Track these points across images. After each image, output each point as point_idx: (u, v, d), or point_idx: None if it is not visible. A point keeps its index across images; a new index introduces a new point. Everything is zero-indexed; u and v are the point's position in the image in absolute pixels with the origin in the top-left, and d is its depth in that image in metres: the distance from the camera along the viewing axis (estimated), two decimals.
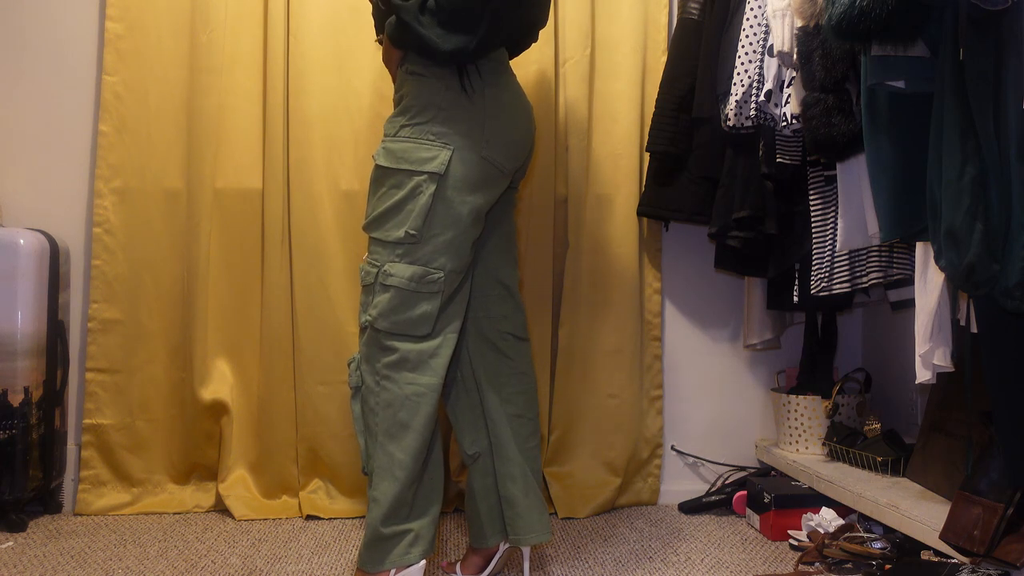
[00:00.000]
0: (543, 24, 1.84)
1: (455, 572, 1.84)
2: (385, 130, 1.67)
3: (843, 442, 2.29)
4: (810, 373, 2.50)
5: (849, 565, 1.87)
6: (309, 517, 2.33)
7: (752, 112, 2.12)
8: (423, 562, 1.64)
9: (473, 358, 1.80)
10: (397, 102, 1.69)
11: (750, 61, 2.13)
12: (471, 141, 1.62)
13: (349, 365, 1.69)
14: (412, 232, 1.59)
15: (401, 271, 1.60)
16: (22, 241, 2.20)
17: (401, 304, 1.61)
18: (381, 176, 1.64)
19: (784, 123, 2.04)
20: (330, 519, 2.33)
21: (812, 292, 2.12)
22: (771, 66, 2.08)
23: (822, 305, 2.34)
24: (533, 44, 2.45)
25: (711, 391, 2.65)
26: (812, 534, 2.04)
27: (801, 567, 1.92)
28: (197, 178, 2.39)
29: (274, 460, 2.39)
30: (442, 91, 1.62)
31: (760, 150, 2.18)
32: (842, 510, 2.09)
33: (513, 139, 1.68)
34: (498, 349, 1.81)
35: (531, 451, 1.80)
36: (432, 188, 1.59)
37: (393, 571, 1.62)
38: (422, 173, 1.60)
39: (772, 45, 2.06)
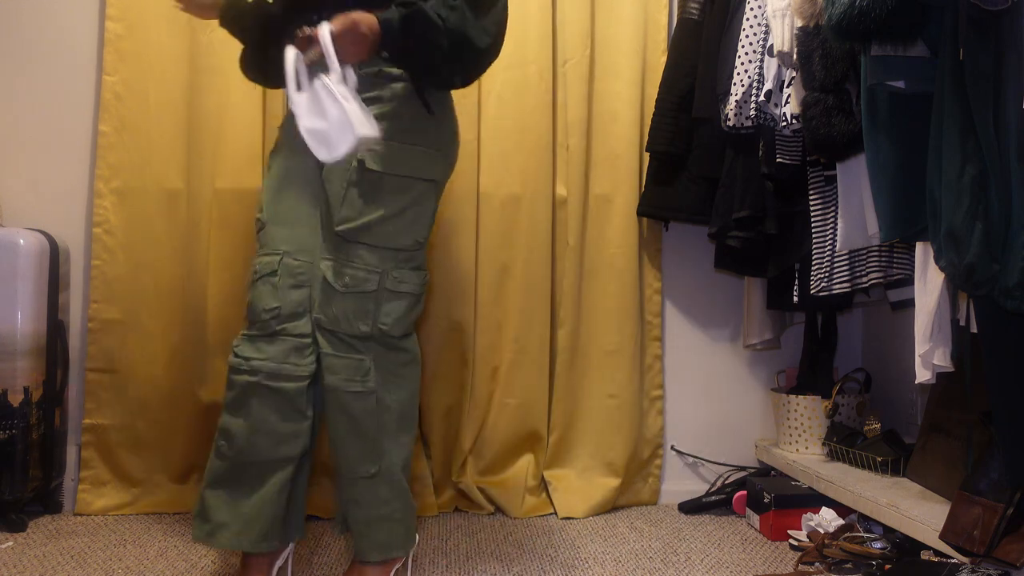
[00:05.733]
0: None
1: None
2: None
3: (843, 442, 2.29)
4: (810, 373, 2.50)
5: (849, 565, 1.87)
6: (309, 517, 2.33)
7: (752, 112, 2.12)
8: None
9: None
10: (365, 100, 1.60)
11: (750, 61, 2.13)
12: (446, 151, 1.70)
13: (362, 372, 1.63)
14: (421, 240, 1.66)
15: (412, 278, 1.65)
16: (22, 241, 2.20)
17: (411, 309, 1.67)
18: (368, 180, 1.60)
19: (784, 123, 2.04)
20: (330, 519, 2.33)
21: (812, 292, 2.12)
22: (771, 66, 2.08)
23: (822, 305, 2.34)
24: (529, 46, 2.47)
25: (711, 391, 2.65)
26: (812, 534, 2.04)
27: (801, 567, 1.92)
28: (197, 178, 2.39)
29: None
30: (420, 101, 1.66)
31: (760, 150, 2.18)
32: (842, 510, 2.09)
33: (455, 155, 1.76)
34: None
35: None
36: (434, 195, 1.67)
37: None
38: (424, 180, 1.64)
39: (772, 45, 2.06)
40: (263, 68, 1.81)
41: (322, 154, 1.52)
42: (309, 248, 1.64)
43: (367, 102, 1.59)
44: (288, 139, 1.72)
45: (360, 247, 1.60)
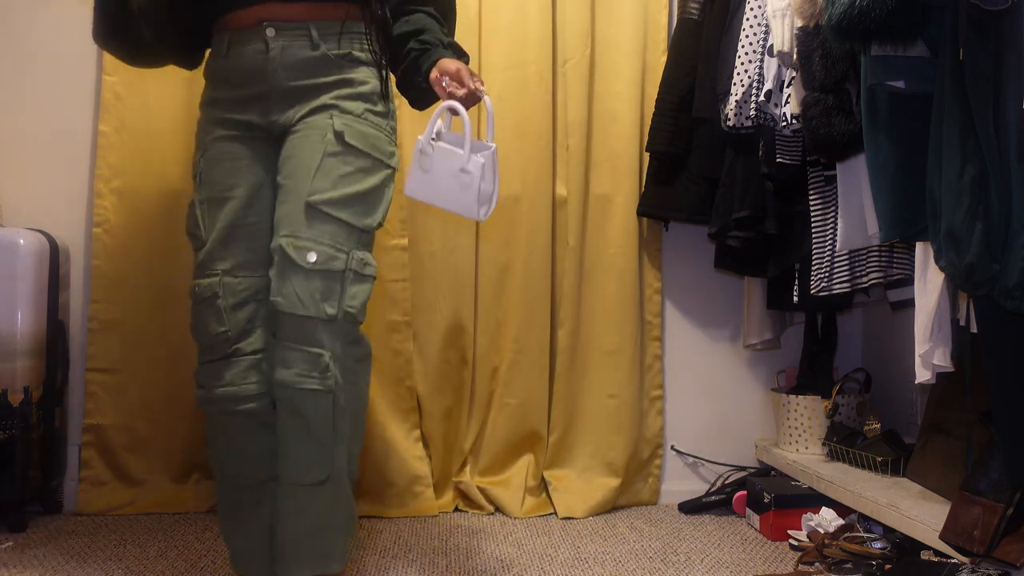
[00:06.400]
0: None
1: None
2: (340, 105, 1.56)
3: (843, 442, 2.29)
4: (810, 373, 2.50)
5: (849, 565, 1.87)
6: None
7: (752, 112, 2.12)
8: None
9: None
10: (332, 82, 1.57)
11: (750, 61, 2.13)
12: (394, 142, 1.66)
13: (320, 368, 1.48)
14: (382, 223, 1.59)
15: (372, 261, 1.56)
16: (22, 241, 2.19)
17: (369, 295, 1.56)
18: (345, 153, 1.53)
19: (784, 123, 2.04)
20: None
21: (812, 292, 2.13)
22: (771, 66, 2.08)
23: (822, 305, 2.34)
24: (529, 46, 2.47)
25: (711, 391, 2.65)
26: (812, 534, 2.04)
27: (801, 567, 1.92)
28: None
29: None
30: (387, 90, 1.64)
31: (760, 150, 2.18)
32: (842, 510, 2.09)
33: None
34: None
35: None
36: (392, 184, 1.62)
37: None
38: (389, 167, 1.60)
39: (772, 45, 2.06)
40: (132, 41, 1.70)
41: (483, 213, 1.55)
42: (246, 261, 1.58)
43: (339, 84, 1.58)
44: (227, 146, 1.61)
45: (330, 222, 1.50)
